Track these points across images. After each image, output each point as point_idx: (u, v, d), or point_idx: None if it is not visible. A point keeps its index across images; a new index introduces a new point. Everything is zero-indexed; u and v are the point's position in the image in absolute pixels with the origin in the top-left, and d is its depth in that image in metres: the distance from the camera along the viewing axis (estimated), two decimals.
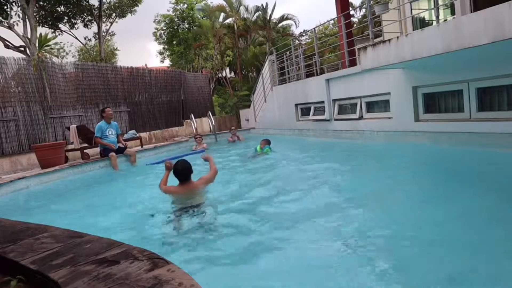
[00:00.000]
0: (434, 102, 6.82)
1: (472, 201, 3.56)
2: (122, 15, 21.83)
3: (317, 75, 10.31)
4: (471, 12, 6.97)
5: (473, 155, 5.47)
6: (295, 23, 26.45)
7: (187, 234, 3.43)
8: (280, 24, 22.42)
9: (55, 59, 12.92)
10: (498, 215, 3.14)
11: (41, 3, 17.74)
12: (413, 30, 8.45)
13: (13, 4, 16.03)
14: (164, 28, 24.36)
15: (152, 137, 14.68)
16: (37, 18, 17.98)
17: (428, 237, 2.90)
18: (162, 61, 27.80)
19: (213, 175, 4.47)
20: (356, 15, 22.11)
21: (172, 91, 16.38)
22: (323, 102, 9.64)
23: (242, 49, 20.39)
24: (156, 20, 24.98)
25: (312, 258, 2.66)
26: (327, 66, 15.21)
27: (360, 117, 8.51)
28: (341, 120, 9.12)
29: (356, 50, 9.52)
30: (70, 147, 9.76)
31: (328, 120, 9.50)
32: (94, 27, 21.34)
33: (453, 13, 8.53)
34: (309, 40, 22.94)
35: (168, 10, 24.37)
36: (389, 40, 5.76)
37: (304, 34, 25.07)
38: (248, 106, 15.87)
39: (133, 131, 11.81)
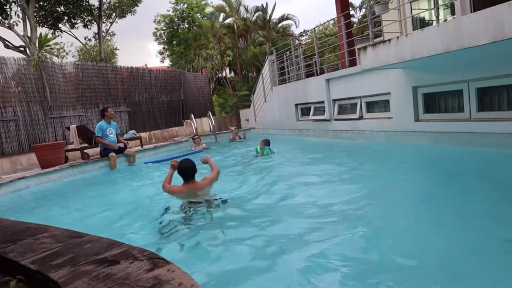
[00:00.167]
0: (434, 102, 6.82)
1: (472, 201, 3.56)
2: (122, 15, 21.83)
3: (317, 75, 10.31)
4: (471, 12, 6.97)
5: (473, 155, 5.47)
6: (295, 23, 26.51)
7: (189, 233, 3.43)
8: (280, 24, 22.43)
9: (55, 59, 12.93)
10: (498, 215, 3.14)
11: (41, 3, 17.74)
12: (413, 30, 8.45)
13: (13, 4, 16.04)
14: (164, 28, 24.38)
15: (152, 137, 14.68)
16: (37, 18, 17.97)
17: (428, 237, 2.90)
18: (162, 61, 27.83)
19: (216, 175, 4.47)
20: (356, 15, 22.12)
21: (172, 91, 16.38)
22: (323, 102, 9.64)
23: (242, 49, 20.39)
24: (156, 20, 25.01)
25: (313, 258, 2.66)
26: (327, 66, 15.21)
27: (360, 117, 8.51)
28: (341, 120, 9.12)
29: (356, 50, 9.52)
30: (70, 147, 9.76)
31: (328, 120, 9.50)
32: (94, 27, 21.36)
33: (453, 13, 8.53)
34: (309, 40, 22.94)
35: (168, 10, 24.41)
36: (389, 40, 5.76)
37: (304, 34, 25.09)
38: (248, 106, 15.88)
39: (133, 131, 11.81)
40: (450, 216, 3.24)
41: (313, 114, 10.35)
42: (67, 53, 26.82)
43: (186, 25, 23.75)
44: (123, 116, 13.71)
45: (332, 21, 19.79)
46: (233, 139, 11.68)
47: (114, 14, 21.68)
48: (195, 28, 22.55)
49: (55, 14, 19.20)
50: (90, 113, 12.32)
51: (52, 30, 19.81)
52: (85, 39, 23.86)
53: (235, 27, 18.97)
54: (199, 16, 23.01)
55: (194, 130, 12.80)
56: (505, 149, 5.17)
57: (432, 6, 6.36)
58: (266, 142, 7.71)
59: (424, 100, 6.91)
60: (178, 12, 23.62)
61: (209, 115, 13.17)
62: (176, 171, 4.40)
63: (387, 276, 2.38)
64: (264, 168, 6.62)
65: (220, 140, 12.19)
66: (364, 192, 4.38)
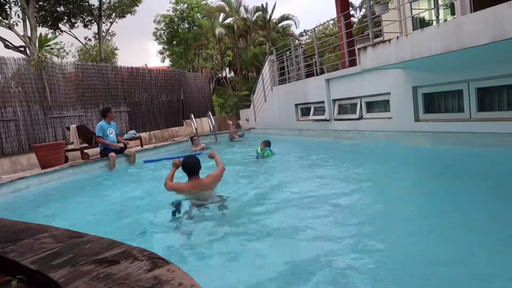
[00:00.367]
0: (434, 102, 6.82)
1: (472, 201, 3.56)
2: (122, 15, 21.84)
3: (317, 75, 10.31)
4: (471, 12, 6.97)
5: (473, 155, 5.47)
6: (295, 23, 26.53)
7: (192, 232, 3.43)
8: (280, 24, 22.43)
9: (55, 59, 12.93)
10: (498, 215, 3.14)
11: (41, 3, 17.74)
12: (413, 30, 8.45)
13: (13, 4, 16.04)
14: (164, 28, 24.39)
15: (152, 137, 14.68)
16: (37, 18, 17.98)
17: (428, 237, 2.90)
18: (162, 61, 27.83)
19: (220, 172, 4.46)
20: (356, 15, 22.12)
21: (172, 91, 16.38)
22: (323, 102, 9.64)
23: (242, 49, 20.39)
24: (156, 20, 25.02)
25: (313, 259, 2.66)
26: (327, 66, 15.22)
27: (360, 117, 8.51)
28: (341, 120, 9.12)
29: (356, 50, 9.52)
30: (70, 147, 9.76)
31: (328, 120, 9.50)
32: (94, 27, 21.37)
33: (453, 13, 8.53)
34: (309, 40, 22.95)
35: (168, 10, 24.42)
36: (389, 40, 5.76)
37: (304, 34, 25.09)
38: (248, 106, 15.87)
39: (133, 131, 11.81)
40: (450, 216, 3.24)
41: (313, 114, 10.35)
42: (67, 53, 26.87)
43: (186, 25, 23.76)
44: (123, 116, 13.71)
45: (332, 21, 19.82)
46: (233, 137, 11.69)
47: (114, 14, 21.68)
48: (195, 28, 22.55)
49: (55, 14, 19.21)
50: (90, 113, 12.32)
51: (52, 30, 19.81)
52: (85, 39, 23.90)
53: (235, 27, 18.97)
54: (199, 16, 23.02)
55: (194, 130, 12.80)
56: (505, 149, 5.17)
57: (432, 6, 6.36)
58: (267, 143, 7.70)
59: (424, 100, 6.91)
60: (178, 12, 23.62)
61: (209, 115, 13.16)
62: (178, 169, 4.41)
63: (387, 276, 2.38)
64: (264, 168, 6.62)
65: (221, 140, 12.19)
66: (364, 192, 4.38)
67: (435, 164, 5.54)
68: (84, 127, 9.83)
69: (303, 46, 16.65)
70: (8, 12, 15.80)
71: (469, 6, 7.53)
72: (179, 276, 1.39)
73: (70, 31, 21.17)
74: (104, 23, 21.56)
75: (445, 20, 6.82)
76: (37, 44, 11.54)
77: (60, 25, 20.28)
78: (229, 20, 19.80)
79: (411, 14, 9.08)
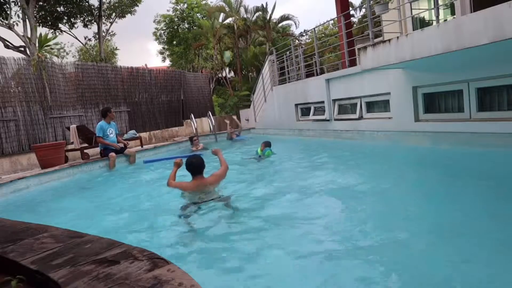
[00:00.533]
0: (434, 102, 6.82)
1: (472, 201, 3.56)
2: (121, 15, 21.84)
3: (317, 75, 10.31)
4: (471, 12, 6.97)
5: (473, 155, 5.47)
6: (295, 23, 26.54)
7: (193, 232, 3.43)
8: (280, 24, 22.43)
9: (55, 59, 12.93)
10: (498, 215, 3.14)
11: (41, 3, 17.74)
12: (413, 30, 8.45)
13: (13, 4, 16.04)
14: (164, 28, 24.39)
15: (152, 137, 14.68)
16: (37, 18, 17.98)
17: (428, 237, 2.90)
18: (163, 60, 27.82)
19: (224, 171, 4.46)
20: (356, 15, 22.12)
21: (172, 91, 16.38)
22: (323, 102, 9.64)
23: (242, 49, 20.39)
24: (156, 20, 25.03)
25: (314, 259, 2.66)
26: (327, 66, 15.22)
27: (360, 117, 8.51)
28: (341, 120, 9.11)
29: (356, 50, 9.52)
30: (70, 147, 9.76)
31: (328, 120, 9.50)
32: (94, 27, 21.37)
33: (453, 13, 8.53)
34: (309, 40, 22.95)
35: (168, 10, 24.42)
36: (389, 40, 5.76)
37: (304, 34, 25.09)
38: (248, 106, 15.87)
39: (133, 131, 11.81)
40: (450, 216, 3.25)
41: (313, 114, 10.35)
42: (67, 53, 26.87)
43: (186, 25, 23.75)
44: (123, 116, 13.71)
45: (332, 21, 19.82)
46: (231, 137, 11.69)
47: (114, 14, 21.68)
48: (195, 28, 22.55)
49: (55, 14, 19.21)
50: (90, 113, 12.32)
51: (52, 30, 19.82)
52: (85, 39, 23.91)
53: (235, 27, 18.97)
54: (199, 16, 23.02)
55: (194, 130, 12.79)
56: (505, 149, 5.17)
57: (432, 6, 6.36)
58: (267, 144, 7.70)
59: (424, 100, 6.91)
60: (178, 12, 23.63)
61: (209, 115, 13.16)
62: (180, 168, 4.41)
63: (387, 276, 2.38)
64: (264, 168, 6.62)
65: (221, 140, 12.20)
66: (364, 192, 4.38)
67: (435, 164, 5.54)
68: (84, 127, 9.83)
69: (303, 46, 16.65)
70: (8, 12, 15.80)
71: (469, 6, 7.52)
72: (179, 276, 1.39)
73: (70, 31, 21.18)
74: (104, 23, 21.56)
75: (445, 20, 6.82)
76: (37, 44, 11.54)
77: (60, 25, 20.29)
78: (229, 20, 19.80)
79: (411, 14, 9.07)
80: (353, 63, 9.66)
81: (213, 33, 19.06)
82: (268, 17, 19.83)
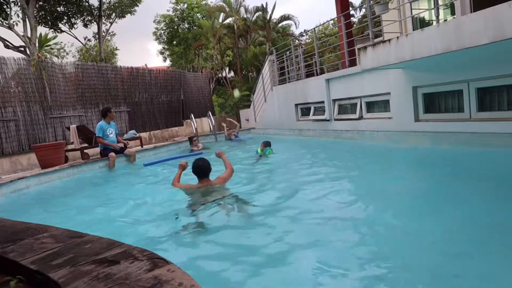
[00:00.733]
0: (434, 102, 6.82)
1: (472, 201, 3.56)
2: (121, 15, 21.84)
3: (317, 75, 10.31)
4: (471, 12, 6.97)
5: (473, 155, 5.47)
6: (295, 23, 26.51)
7: (193, 231, 3.43)
8: (280, 24, 22.41)
9: (55, 59, 12.94)
10: (497, 215, 3.14)
11: (40, 3, 17.74)
12: (413, 30, 8.45)
13: (13, 4, 16.04)
14: (164, 28, 24.39)
15: (152, 137, 14.68)
16: (37, 18, 17.99)
17: (428, 237, 2.90)
18: (164, 60, 27.81)
19: (230, 173, 4.46)
20: (356, 15, 22.13)
21: (172, 91, 16.38)
22: (323, 102, 9.64)
23: (242, 49, 20.39)
24: (156, 20, 25.03)
25: (315, 260, 2.66)
26: (327, 66, 15.22)
27: (360, 117, 8.51)
28: (341, 120, 9.12)
29: (356, 50, 9.52)
30: (70, 147, 9.76)
31: (328, 120, 9.50)
32: (94, 27, 21.38)
33: (453, 13, 8.53)
34: (309, 40, 22.95)
35: (168, 10, 24.42)
36: (389, 40, 5.76)
37: (304, 34, 25.09)
38: (248, 106, 15.88)
39: (133, 131, 11.81)
40: (450, 216, 3.24)
41: (313, 114, 10.35)
42: (67, 53, 26.86)
43: (186, 25, 23.75)
44: (123, 116, 13.71)
45: (332, 21, 19.82)
46: (229, 138, 11.70)
47: (114, 14, 21.68)
48: (195, 28, 22.55)
49: (55, 14, 19.21)
50: (90, 113, 12.32)
51: (52, 30, 19.82)
52: (85, 39, 23.91)
53: (235, 27, 18.96)
54: (199, 16, 23.02)
55: (194, 130, 12.80)
56: (505, 149, 5.17)
57: (432, 6, 6.36)
58: (267, 144, 7.71)
59: (424, 100, 6.91)
60: (178, 12, 23.62)
61: (209, 115, 13.16)
62: (184, 171, 4.41)
63: (387, 276, 2.38)
64: (265, 168, 6.62)
65: (220, 140, 12.20)
66: (364, 191, 4.39)
67: (435, 164, 5.54)
68: (84, 127, 9.83)
69: (303, 46, 16.65)
70: (8, 12, 15.80)
71: (469, 6, 7.52)
72: (179, 276, 1.38)
73: (70, 31, 21.18)
74: (104, 23, 21.56)
75: (445, 20, 6.82)
76: (37, 44, 11.54)
77: (60, 25, 20.29)
78: (229, 20, 19.80)
79: (411, 14, 9.07)
80: (353, 63, 9.66)
81: (213, 33, 19.06)
82: (268, 17, 19.82)
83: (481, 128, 5.75)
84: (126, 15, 22.02)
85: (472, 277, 2.25)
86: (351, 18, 15.10)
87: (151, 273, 1.43)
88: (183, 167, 4.46)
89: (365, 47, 6.29)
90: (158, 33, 25.26)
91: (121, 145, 8.16)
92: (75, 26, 20.54)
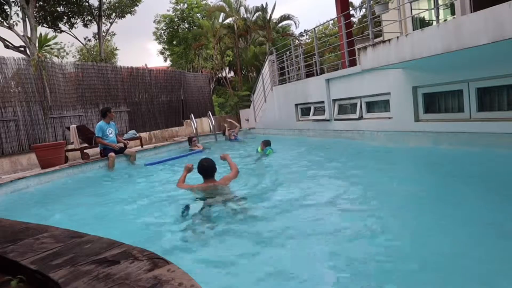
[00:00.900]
0: (434, 102, 6.82)
1: (472, 200, 3.56)
2: (121, 15, 21.84)
3: (317, 75, 10.31)
4: (471, 12, 6.97)
5: (473, 155, 5.47)
6: (295, 23, 26.55)
7: (192, 231, 3.43)
8: (280, 24, 22.42)
9: (55, 59, 12.94)
10: (497, 215, 3.14)
11: (40, 3, 17.74)
12: (413, 30, 8.44)
13: (13, 4, 16.04)
14: (164, 28, 24.40)
15: (152, 137, 14.68)
16: (37, 18, 17.99)
17: (427, 236, 2.90)
18: (165, 60, 27.81)
19: (235, 175, 4.46)
20: (356, 15, 22.13)
21: (172, 91, 16.38)
22: (323, 102, 9.64)
23: (242, 49, 20.39)
24: (156, 20, 25.03)
25: (315, 261, 2.66)
26: (327, 66, 15.21)
27: (360, 117, 8.51)
28: (341, 120, 9.12)
29: (356, 50, 9.52)
30: (70, 147, 9.76)
31: (328, 120, 9.50)
32: (94, 27, 21.38)
33: (453, 13, 8.53)
34: (309, 40, 22.94)
35: (168, 10, 24.42)
36: (389, 40, 5.76)
37: (304, 34, 25.08)
38: (248, 106, 15.88)
39: (133, 131, 11.81)
40: (450, 216, 3.24)
41: (313, 114, 10.35)
42: (67, 53, 26.87)
43: (186, 25, 23.76)
44: (123, 116, 13.71)
45: (332, 21, 19.81)
46: (229, 138, 11.72)
47: (114, 14, 21.69)
48: (195, 28, 22.55)
49: (55, 14, 19.22)
50: (90, 113, 12.32)
51: (52, 30, 19.82)
52: (85, 39, 23.91)
53: (235, 27, 18.97)
54: (199, 16, 23.03)
55: (194, 130, 12.80)
56: (505, 149, 5.17)
57: (432, 6, 6.36)
58: (267, 143, 7.72)
59: (424, 100, 6.91)
60: (178, 12, 23.63)
61: (209, 115, 13.17)
62: (189, 172, 4.42)
63: (388, 276, 2.38)
64: (265, 167, 6.62)
65: (220, 140, 12.20)
66: (364, 191, 4.38)
67: (435, 164, 5.54)
68: (84, 127, 9.83)
69: (303, 46, 16.65)
70: (8, 12, 15.81)
71: (469, 6, 7.52)
72: (179, 276, 1.38)
73: (70, 31, 21.19)
74: (104, 23, 21.56)
75: (445, 20, 6.82)
76: (37, 44, 11.54)
77: (60, 25, 20.29)
78: (229, 20, 19.80)
79: (411, 14, 9.07)
80: (353, 63, 9.66)
81: (213, 33, 19.06)
82: (268, 17, 19.83)
83: (481, 128, 5.75)
84: (126, 15, 22.02)
85: (472, 277, 2.25)
86: (351, 18, 15.10)
87: (151, 273, 1.43)
88: (188, 169, 4.47)
89: (365, 47, 6.29)
90: (158, 33, 25.28)
91: (121, 145, 8.16)
92: (75, 26, 20.56)
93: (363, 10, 20.04)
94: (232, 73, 26.13)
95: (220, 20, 19.97)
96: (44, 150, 8.30)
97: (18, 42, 16.14)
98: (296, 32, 25.84)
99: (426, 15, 9.45)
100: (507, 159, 4.98)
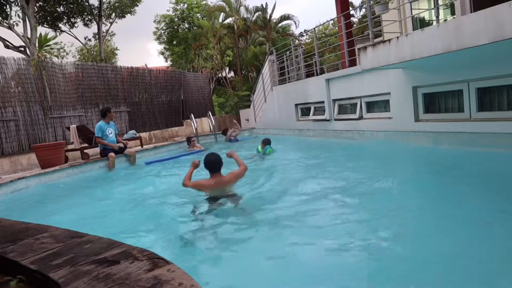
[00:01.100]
0: (434, 102, 6.82)
1: (473, 200, 3.56)
2: (121, 15, 21.84)
3: (317, 75, 10.31)
4: (471, 12, 6.97)
5: (473, 155, 5.47)
6: (295, 23, 26.56)
7: (192, 231, 3.43)
8: (280, 24, 22.42)
9: (55, 59, 12.94)
10: (497, 215, 3.14)
11: (40, 3, 17.74)
12: (413, 30, 8.44)
13: (13, 4, 16.04)
14: (164, 28, 24.41)
15: (152, 137, 14.68)
16: (37, 18, 17.99)
17: (427, 236, 2.90)
18: (166, 61, 27.81)
19: (243, 171, 4.40)
20: (356, 15, 22.14)
21: (172, 91, 16.38)
22: (323, 102, 9.64)
23: (242, 49, 20.38)
24: (156, 20, 25.05)
25: (319, 261, 2.66)
26: (327, 66, 15.21)
27: (360, 117, 8.51)
28: (341, 120, 9.11)
29: (356, 50, 9.52)
30: (70, 147, 9.76)
31: (328, 120, 9.50)
32: (94, 27, 21.38)
33: (453, 13, 8.53)
34: (309, 40, 22.94)
35: (168, 10, 24.43)
36: (389, 40, 5.76)
37: (304, 34, 25.09)
38: (248, 106, 15.88)
39: (133, 131, 11.81)
40: (449, 216, 3.24)
41: (313, 114, 10.35)
42: (67, 53, 26.87)
43: (186, 25, 23.76)
44: (123, 116, 13.71)
45: (332, 21, 19.81)
46: (229, 139, 11.72)
47: (113, 14, 21.69)
48: (195, 28, 22.55)
49: (55, 14, 19.22)
50: (90, 113, 12.32)
51: (52, 30, 19.82)
52: (85, 39, 23.91)
53: (235, 27, 18.97)
54: (199, 16, 23.03)
55: (194, 130, 12.80)
56: (505, 149, 5.16)
57: (432, 6, 6.36)
58: (266, 142, 7.72)
59: (424, 100, 6.91)
60: (178, 12, 23.63)
61: (209, 115, 13.17)
62: (196, 168, 4.41)
63: (388, 276, 2.38)
64: (266, 167, 6.61)
65: (221, 140, 12.20)
66: (364, 191, 4.38)
67: (435, 164, 5.54)
68: (84, 127, 9.83)
69: (303, 46, 16.64)
70: (8, 12, 15.81)
71: (469, 6, 7.52)
72: (179, 276, 1.38)
73: (70, 31, 21.19)
74: (104, 23, 21.56)
75: (445, 20, 6.82)
76: (37, 44, 11.54)
77: (60, 25, 20.29)
78: (229, 20, 19.80)
79: (411, 14, 9.07)
80: (353, 63, 9.65)
81: (213, 33, 19.07)
82: (268, 17, 19.83)
83: (481, 128, 5.75)
84: (126, 15, 22.02)
85: (472, 277, 2.25)
86: (351, 18, 15.10)
87: (151, 273, 1.43)
88: (195, 165, 4.44)
89: (365, 47, 6.29)
90: (158, 33, 25.29)
91: (121, 145, 8.15)
92: (75, 25, 20.56)
93: (363, 10, 20.05)
94: (232, 73, 26.13)
95: (220, 20, 19.97)
96: (44, 150, 8.30)
97: (18, 42, 16.16)
98: (296, 32, 25.87)
99: (426, 15, 9.45)
100: (507, 159, 4.97)
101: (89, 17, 20.69)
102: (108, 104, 12.67)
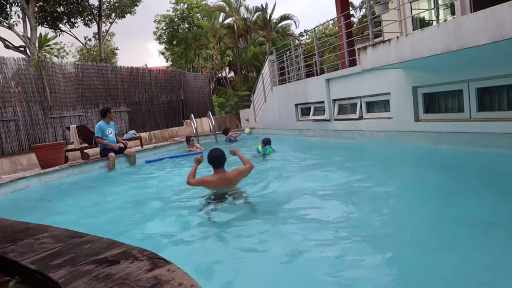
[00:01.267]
0: (434, 102, 6.82)
1: (473, 200, 3.56)
2: (121, 15, 21.84)
3: (317, 75, 10.31)
4: (471, 12, 6.97)
5: (473, 155, 5.47)
6: (295, 23, 26.56)
7: (192, 231, 3.43)
8: (280, 24, 22.43)
9: (55, 59, 12.94)
10: (497, 215, 3.14)
11: (40, 3, 17.74)
12: (413, 30, 8.44)
13: (13, 4, 16.05)
14: (164, 28, 24.41)
15: (152, 137, 14.68)
16: (37, 18, 17.99)
17: (427, 235, 2.90)
18: (166, 60, 27.80)
19: (249, 168, 4.34)
20: (356, 15, 22.14)
21: (172, 91, 16.39)
22: (323, 102, 9.64)
23: (242, 49, 20.39)
24: (156, 20, 25.06)
25: (320, 261, 2.66)
26: (327, 66, 15.21)
27: (360, 117, 8.51)
28: (341, 120, 9.11)
29: (356, 50, 9.52)
30: (70, 147, 9.76)
31: (328, 120, 9.50)
32: (94, 27, 21.38)
33: (453, 13, 8.53)
34: (309, 40, 22.94)
35: (168, 10, 24.43)
36: (389, 40, 5.76)
37: (304, 34, 25.09)
38: (248, 106, 15.88)
39: (133, 131, 11.81)
40: (450, 216, 3.24)
41: (313, 114, 10.35)
42: (67, 53, 26.87)
43: (186, 25, 23.76)
44: (123, 116, 13.72)
45: (332, 21, 19.82)
46: (229, 139, 11.73)
47: (113, 14, 21.69)
48: (195, 28, 22.56)
49: (55, 14, 19.22)
50: (90, 113, 12.32)
51: (52, 30, 19.82)
52: (85, 39, 23.91)
53: (235, 27, 18.97)
54: (199, 16, 23.04)
55: (194, 130, 12.80)
56: (505, 149, 5.16)
57: (432, 6, 6.36)
58: (266, 142, 7.72)
59: (424, 100, 6.91)
60: (178, 12, 23.63)
61: (209, 115, 13.17)
62: (199, 164, 4.40)
63: (387, 276, 2.38)
64: (267, 167, 6.61)
65: (220, 140, 12.21)
66: (364, 190, 4.38)
67: (435, 164, 5.54)
68: (84, 127, 9.83)
69: (303, 46, 16.65)
70: (8, 12, 15.81)
71: (469, 6, 7.52)
72: (179, 276, 1.38)
73: (70, 31, 21.19)
74: (104, 23, 21.56)
75: (445, 20, 6.82)
76: (37, 44, 11.55)
77: (60, 25, 20.29)
78: (229, 20, 19.81)
79: (411, 14, 9.07)
80: (353, 63, 9.66)
81: (213, 33, 19.07)
82: (268, 17, 19.83)
83: (481, 128, 5.75)
84: (126, 15, 22.02)
85: (472, 277, 2.25)
86: (351, 18, 15.11)
87: (151, 273, 1.43)
88: (198, 161, 4.42)
89: (365, 47, 6.29)
90: (158, 33, 25.30)
91: (121, 145, 8.15)
92: (75, 25, 20.56)
93: (363, 10, 20.05)
94: (232, 73, 26.13)
95: (220, 20, 19.97)
96: (44, 150, 8.30)
97: (18, 42, 16.16)
98: (296, 32, 25.88)
99: (426, 15, 9.45)
100: (507, 159, 4.97)
101: (89, 17, 20.68)
102: (108, 104, 12.67)
